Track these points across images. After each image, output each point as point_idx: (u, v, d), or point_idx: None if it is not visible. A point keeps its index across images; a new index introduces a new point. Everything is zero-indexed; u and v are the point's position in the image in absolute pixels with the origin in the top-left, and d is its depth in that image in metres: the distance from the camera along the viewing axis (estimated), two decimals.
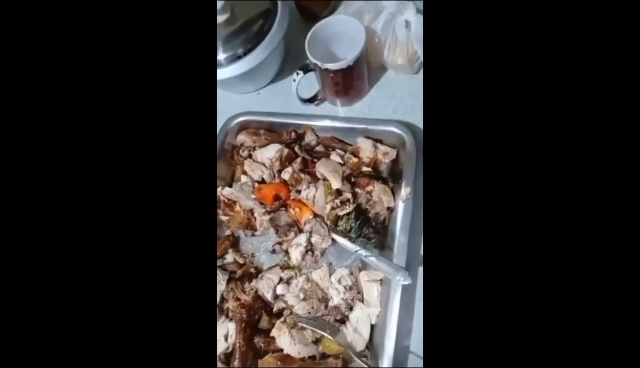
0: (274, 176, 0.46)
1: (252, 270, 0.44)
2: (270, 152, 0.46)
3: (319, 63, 0.43)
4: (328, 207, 0.42)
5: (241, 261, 0.45)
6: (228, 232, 0.47)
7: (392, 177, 0.43)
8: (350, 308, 0.39)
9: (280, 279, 0.42)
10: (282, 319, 0.39)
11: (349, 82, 0.46)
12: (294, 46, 0.56)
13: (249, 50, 0.49)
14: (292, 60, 0.57)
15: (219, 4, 0.47)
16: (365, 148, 0.44)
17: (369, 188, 0.42)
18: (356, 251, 0.40)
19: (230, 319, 0.40)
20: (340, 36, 0.46)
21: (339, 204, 0.41)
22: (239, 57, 0.49)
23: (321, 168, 0.43)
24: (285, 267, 0.43)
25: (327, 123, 0.46)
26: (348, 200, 0.42)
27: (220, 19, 0.49)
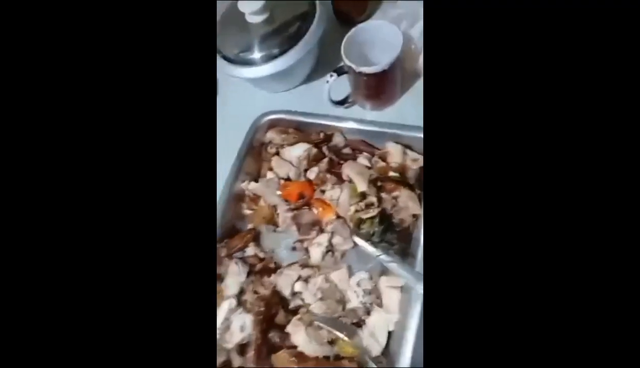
0: (300, 174, 0.47)
1: (272, 265, 0.45)
2: (298, 151, 0.47)
3: (353, 66, 0.43)
4: (352, 209, 0.42)
5: (261, 255, 0.46)
6: (250, 226, 0.48)
7: (420, 185, 0.43)
8: (368, 313, 0.39)
9: (299, 277, 0.42)
10: (298, 316, 0.39)
11: (381, 86, 0.46)
12: (328, 49, 0.57)
13: (285, 51, 0.50)
14: (325, 62, 0.57)
15: (259, 4, 0.49)
16: (394, 153, 0.43)
17: (396, 193, 0.42)
18: (378, 256, 0.40)
19: (248, 311, 0.40)
20: (376, 41, 0.46)
21: (363, 207, 0.41)
22: (274, 57, 0.51)
23: (347, 170, 0.43)
24: (305, 265, 0.43)
25: (357, 126, 0.46)
26: (372, 203, 0.42)
27: (258, 18, 0.51)
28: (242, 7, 0.49)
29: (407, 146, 0.44)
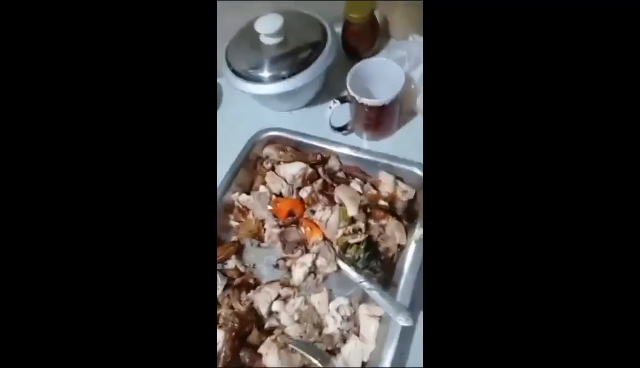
0: (293, 192, 0.47)
1: (251, 280, 0.44)
2: (294, 169, 0.47)
3: (357, 97, 0.45)
4: (340, 232, 0.42)
5: (242, 269, 0.45)
6: (235, 238, 0.47)
7: (407, 216, 0.44)
8: (344, 340, 0.38)
9: (278, 295, 0.41)
10: (273, 337, 0.38)
11: (380, 119, 0.48)
12: (333, 78, 0.60)
13: (293, 74, 0.53)
14: (328, 90, 0.60)
15: (275, 27, 0.51)
16: (386, 182, 0.45)
17: (383, 222, 0.42)
18: (360, 282, 0.39)
19: (220, 326, 0.39)
20: (379, 76, 0.49)
21: (351, 231, 0.41)
22: (282, 78, 0.53)
23: (340, 193, 0.44)
24: (285, 284, 0.43)
25: (352, 152, 0.48)
26: (360, 229, 0.42)
27: (273, 40, 0.53)
28: (259, 27, 0.52)
29: (398, 178, 0.46)
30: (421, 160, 0.49)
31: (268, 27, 0.52)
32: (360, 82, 0.48)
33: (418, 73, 0.50)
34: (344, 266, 0.41)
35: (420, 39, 0.54)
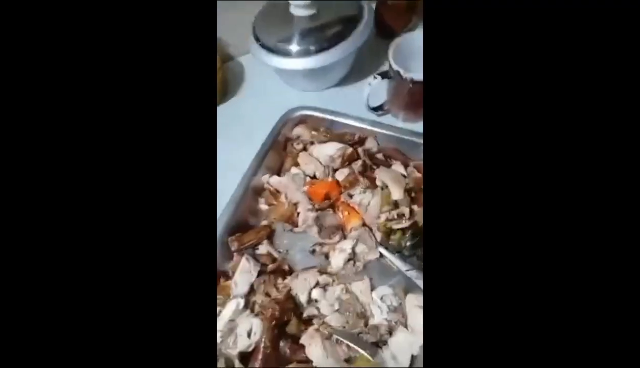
0: (329, 174, 0.44)
1: (286, 267, 0.41)
2: (329, 149, 0.44)
3: (401, 71, 0.42)
4: (383, 217, 0.39)
5: (275, 255, 0.42)
6: (265, 223, 0.44)
7: None
8: (390, 332, 0.35)
9: (317, 283, 0.38)
10: (315, 326, 0.35)
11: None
12: (363, 58, 0.56)
13: (323, 49, 0.49)
14: (357, 70, 0.57)
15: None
16: None
17: None
18: (407, 270, 0.37)
19: (256, 314, 0.36)
20: (421, 52, 0.46)
21: (395, 217, 0.38)
22: (311, 53, 0.49)
23: (382, 175, 0.41)
24: (323, 271, 0.40)
25: (393, 133, 0.45)
26: (404, 214, 0.40)
27: (304, 12, 0.50)
28: None
29: None
30: None
31: None
32: (401, 57, 0.45)
33: None
34: (387, 254, 0.38)
35: None
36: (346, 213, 0.42)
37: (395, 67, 0.42)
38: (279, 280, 0.39)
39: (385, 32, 0.57)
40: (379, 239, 0.40)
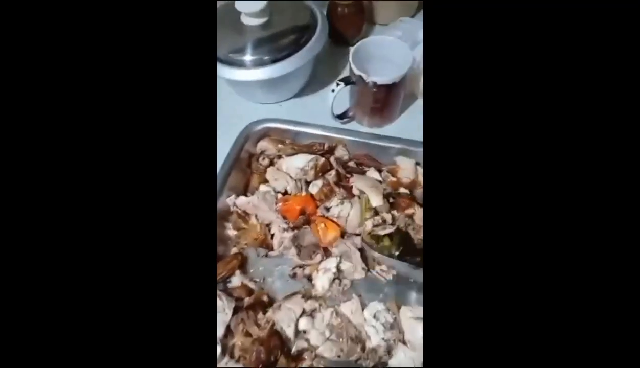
0: (301, 188, 0.40)
1: (265, 297, 0.36)
2: (300, 162, 0.41)
3: (364, 75, 0.41)
4: (369, 224, 0.36)
5: (251, 286, 0.37)
6: (235, 250, 0.39)
7: None
8: (389, 352, 0.32)
9: (303, 311, 0.34)
10: (308, 362, 0.31)
11: (388, 100, 0.44)
12: (318, 68, 0.55)
13: (279, 59, 0.47)
14: (314, 79, 0.55)
15: (259, 5, 0.45)
16: (405, 168, 0.41)
17: (410, 211, 0.38)
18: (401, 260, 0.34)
19: (237, 360, 0.31)
20: (380, 56, 0.45)
21: (380, 222, 0.36)
22: (266, 63, 0.47)
23: (359, 183, 0.39)
24: (308, 296, 0.36)
25: (363, 139, 0.43)
26: (385, 220, 0.38)
27: (256, 21, 0.47)
28: (240, 6, 0.45)
29: (417, 163, 0.42)
30: None
31: (251, 5, 0.45)
32: (362, 62, 0.44)
33: (417, 54, 0.47)
34: (377, 254, 0.36)
35: (412, 20, 0.52)
36: (322, 225, 0.38)
37: (357, 72, 0.41)
38: (259, 315, 0.34)
39: (338, 40, 0.56)
40: (364, 248, 0.37)
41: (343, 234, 0.38)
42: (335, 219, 0.39)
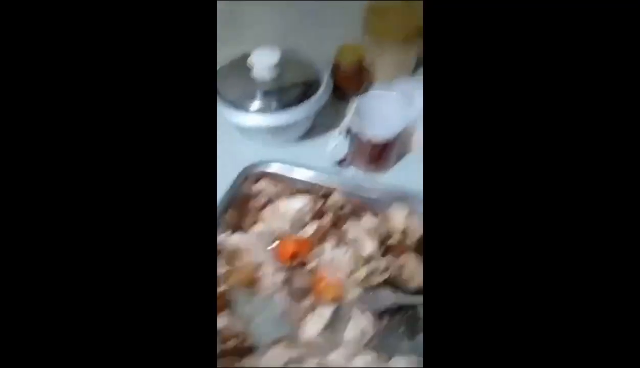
0: (298, 230, 0.41)
1: (249, 342, 0.34)
2: (296, 204, 0.42)
3: (360, 133, 0.44)
4: (363, 271, 0.36)
5: (237, 328, 0.35)
6: (225, 287, 0.38)
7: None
8: None
9: (289, 360, 0.33)
10: None
11: (383, 153, 0.47)
12: (319, 118, 0.59)
13: (284, 109, 0.51)
14: (315, 127, 0.58)
15: (271, 62, 0.50)
16: (400, 216, 0.42)
17: (403, 259, 0.38)
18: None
19: None
20: (378, 111, 0.49)
21: (375, 270, 0.36)
22: (272, 111, 0.50)
23: (353, 229, 0.40)
24: (293, 343, 0.34)
25: (360, 185, 0.45)
26: (378, 268, 0.38)
27: (269, 74, 0.51)
28: (255, 59, 0.50)
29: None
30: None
31: (264, 61, 0.50)
32: (361, 117, 0.48)
33: (412, 112, 0.52)
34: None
35: (409, 80, 0.57)
36: (318, 272, 0.38)
37: (354, 130, 0.44)
38: (245, 361, 0.32)
39: (340, 94, 0.61)
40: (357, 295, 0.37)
41: (337, 281, 0.38)
42: (329, 264, 0.38)
